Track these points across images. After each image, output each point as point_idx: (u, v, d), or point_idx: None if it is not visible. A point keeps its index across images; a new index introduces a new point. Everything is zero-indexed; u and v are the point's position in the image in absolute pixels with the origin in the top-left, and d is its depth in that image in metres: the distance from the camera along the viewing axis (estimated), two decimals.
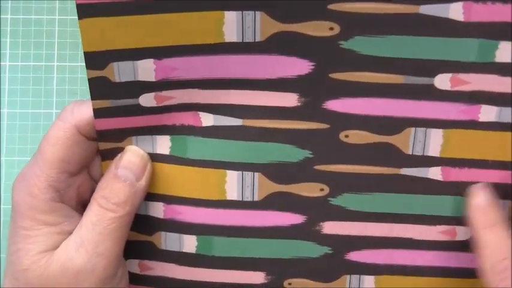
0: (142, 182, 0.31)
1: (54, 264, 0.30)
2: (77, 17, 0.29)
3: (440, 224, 0.33)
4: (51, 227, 0.31)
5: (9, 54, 0.37)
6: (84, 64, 0.30)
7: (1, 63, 0.38)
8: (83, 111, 0.31)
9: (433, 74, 0.30)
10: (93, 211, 0.31)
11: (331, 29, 0.29)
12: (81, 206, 0.33)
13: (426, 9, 0.29)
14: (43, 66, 0.37)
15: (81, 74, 0.37)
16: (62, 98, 0.38)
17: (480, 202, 0.31)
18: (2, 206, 0.38)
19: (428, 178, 0.32)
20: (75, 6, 0.28)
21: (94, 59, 0.30)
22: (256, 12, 0.29)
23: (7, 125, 0.38)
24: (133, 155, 0.32)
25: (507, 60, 0.29)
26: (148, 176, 0.32)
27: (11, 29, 0.37)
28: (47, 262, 0.30)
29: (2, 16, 0.37)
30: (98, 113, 0.31)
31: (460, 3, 0.28)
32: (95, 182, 0.33)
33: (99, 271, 0.30)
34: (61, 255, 0.30)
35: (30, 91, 0.38)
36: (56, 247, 0.31)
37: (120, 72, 0.30)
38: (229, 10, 0.29)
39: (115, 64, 0.30)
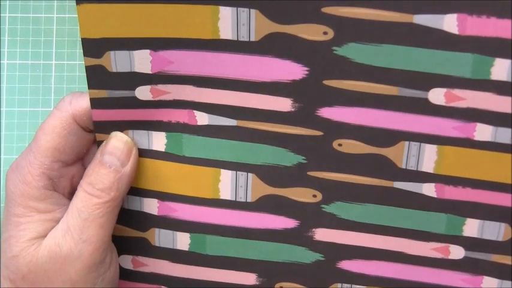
0: (128, 167, 0.32)
1: (43, 251, 0.31)
2: (75, 15, 0.29)
3: (433, 240, 0.32)
4: (43, 214, 0.31)
5: (7, 52, 0.37)
6: (82, 63, 0.30)
7: None
8: (81, 101, 0.31)
9: (427, 88, 0.30)
10: (79, 197, 0.31)
11: (325, 33, 0.29)
12: None
13: (420, 19, 0.28)
14: (41, 65, 0.37)
15: (79, 72, 0.37)
16: (60, 96, 0.37)
17: None
18: (1, 205, 0.38)
19: (422, 194, 0.32)
20: (73, 4, 0.28)
21: (91, 46, 0.30)
22: (251, 10, 0.29)
23: (5, 124, 0.38)
24: (117, 141, 0.32)
25: (503, 78, 0.29)
26: (134, 161, 0.32)
27: (9, 27, 0.37)
28: (36, 249, 0.31)
29: (0, 14, 0.37)
30: (95, 103, 0.31)
31: (455, 15, 0.28)
32: None
33: (86, 257, 0.30)
34: (49, 241, 0.31)
35: (28, 89, 0.38)
36: (46, 234, 0.31)
37: (117, 61, 0.30)
38: (224, 5, 0.29)
39: (112, 53, 0.30)
